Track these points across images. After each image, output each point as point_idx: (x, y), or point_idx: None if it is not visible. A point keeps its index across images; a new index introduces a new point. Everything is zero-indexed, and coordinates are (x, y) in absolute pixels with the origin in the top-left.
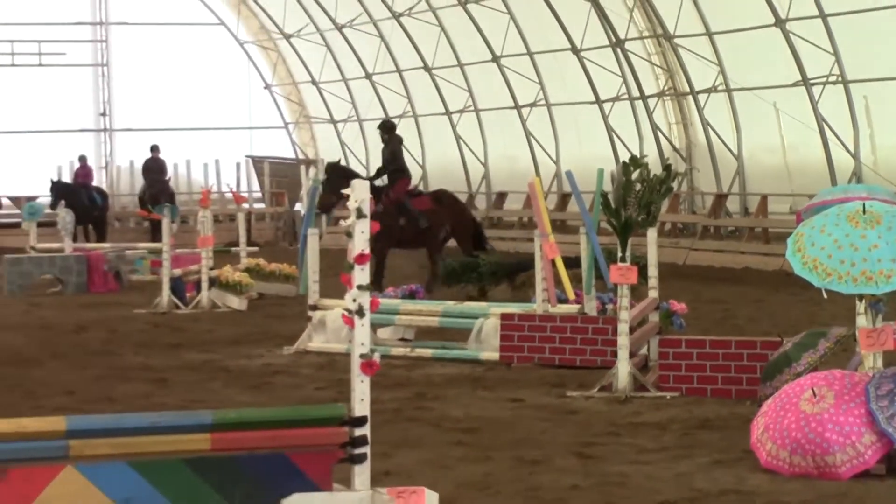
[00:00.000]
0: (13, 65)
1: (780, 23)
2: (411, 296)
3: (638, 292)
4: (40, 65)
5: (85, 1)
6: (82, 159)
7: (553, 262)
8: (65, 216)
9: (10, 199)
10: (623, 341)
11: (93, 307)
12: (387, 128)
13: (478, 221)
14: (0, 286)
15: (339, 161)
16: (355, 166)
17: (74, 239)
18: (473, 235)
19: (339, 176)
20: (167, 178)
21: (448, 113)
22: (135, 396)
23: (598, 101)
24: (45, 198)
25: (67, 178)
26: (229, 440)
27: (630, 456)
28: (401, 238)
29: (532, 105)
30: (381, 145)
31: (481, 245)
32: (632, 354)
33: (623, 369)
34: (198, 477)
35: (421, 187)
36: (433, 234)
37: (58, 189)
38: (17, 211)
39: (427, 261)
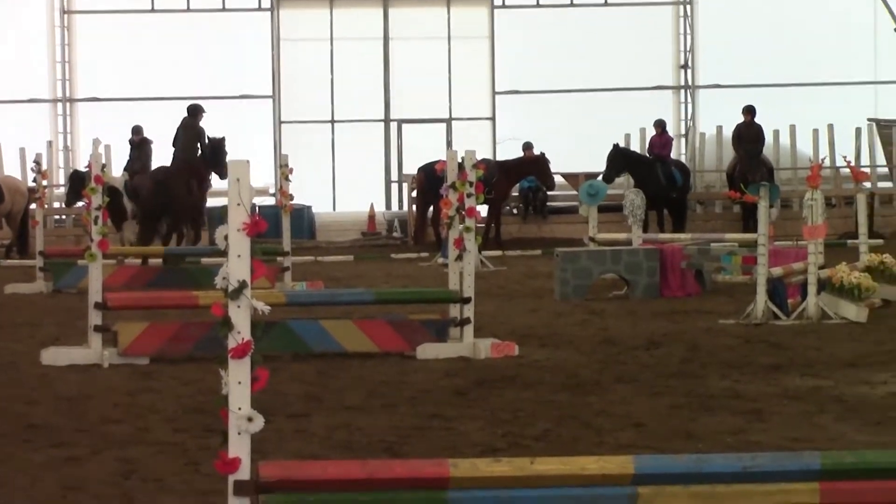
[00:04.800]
0: (572, 4)
1: None
2: None
3: None
4: (605, 4)
5: None
6: (660, 125)
7: None
8: (633, 198)
9: (565, 176)
10: None
11: (667, 316)
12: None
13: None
14: (551, 288)
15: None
16: None
17: (645, 228)
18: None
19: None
20: (762, 147)
21: None
22: (720, 432)
23: None
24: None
25: (637, 148)
26: (844, 491)
27: None
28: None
29: None
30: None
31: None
32: None
33: None
34: None
35: None
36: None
37: (618, 159)
38: (573, 192)
39: None
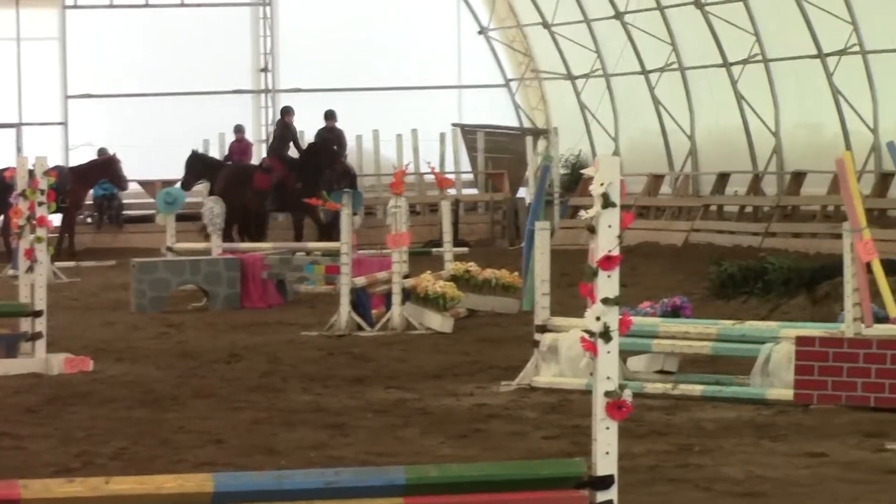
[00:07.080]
0: (147, 5)
1: None
2: (675, 313)
3: None
4: (182, 5)
5: None
6: (238, 130)
7: (869, 267)
8: (212, 206)
9: (141, 183)
10: None
11: (247, 328)
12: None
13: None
14: (127, 300)
15: None
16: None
17: (225, 237)
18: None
19: None
20: (345, 154)
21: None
22: (302, 447)
23: None
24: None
25: (217, 154)
26: None
27: None
28: None
29: (841, 53)
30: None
31: None
32: None
33: None
34: None
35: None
36: None
37: (196, 165)
38: (150, 200)
39: None
